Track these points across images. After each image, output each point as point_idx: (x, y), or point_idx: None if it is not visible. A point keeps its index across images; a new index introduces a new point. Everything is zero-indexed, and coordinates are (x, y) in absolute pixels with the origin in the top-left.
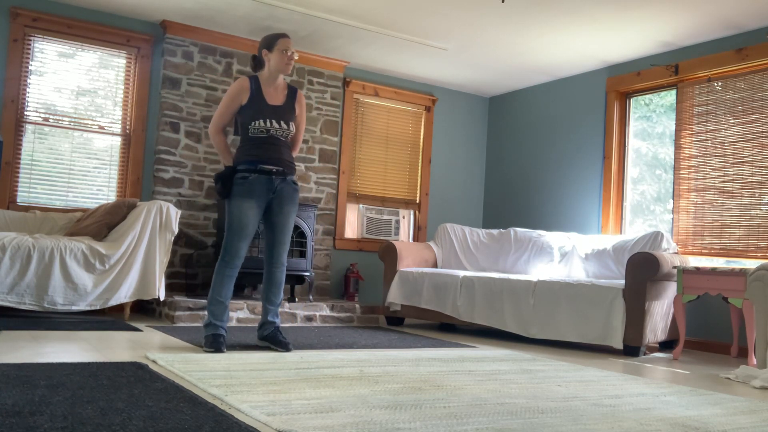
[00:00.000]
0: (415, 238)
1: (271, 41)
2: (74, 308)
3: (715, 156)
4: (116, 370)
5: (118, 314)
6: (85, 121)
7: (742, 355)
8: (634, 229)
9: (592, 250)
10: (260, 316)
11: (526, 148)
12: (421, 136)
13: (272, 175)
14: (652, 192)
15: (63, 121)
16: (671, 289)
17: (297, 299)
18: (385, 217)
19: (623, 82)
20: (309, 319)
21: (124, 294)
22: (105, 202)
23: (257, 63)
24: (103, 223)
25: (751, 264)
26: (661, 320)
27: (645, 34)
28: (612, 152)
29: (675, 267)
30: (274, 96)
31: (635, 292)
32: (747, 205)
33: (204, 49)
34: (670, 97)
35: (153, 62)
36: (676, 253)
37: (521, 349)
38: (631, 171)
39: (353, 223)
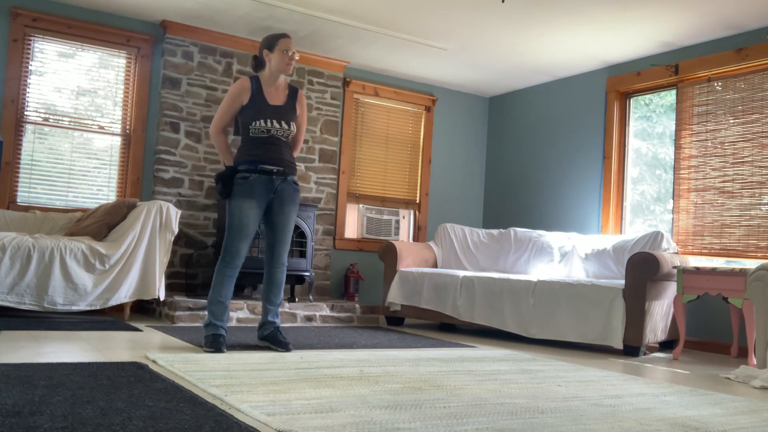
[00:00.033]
0: (415, 238)
1: (271, 41)
2: (74, 308)
3: (715, 156)
4: (116, 370)
5: (118, 314)
6: (85, 121)
7: (742, 355)
8: (634, 229)
9: (592, 250)
10: (260, 316)
11: (526, 148)
12: (421, 136)
13: (273, 175)
14: (652, 192)
15: (63, 121)
16: (671, 289)
17: (297, 299)
18: (385, 217)
19: (623, 82)
20: (309, 319)
21: (124, 294)
22: (105, 202)
23: (258, 63)
24: (103, 223)
25: (751, 264)
26: (661, 320)
27: (645, 34)
28: (612, 152)
29: (675, 267)
30: (275, 96)
31: (635, 292)
32: (747, 205)
33: (204, 49)
34: (670, 97)
35: (153, 62)
36: (676, 253)
37: (521, 349)
38: (631, 171)
39: (353, 223)
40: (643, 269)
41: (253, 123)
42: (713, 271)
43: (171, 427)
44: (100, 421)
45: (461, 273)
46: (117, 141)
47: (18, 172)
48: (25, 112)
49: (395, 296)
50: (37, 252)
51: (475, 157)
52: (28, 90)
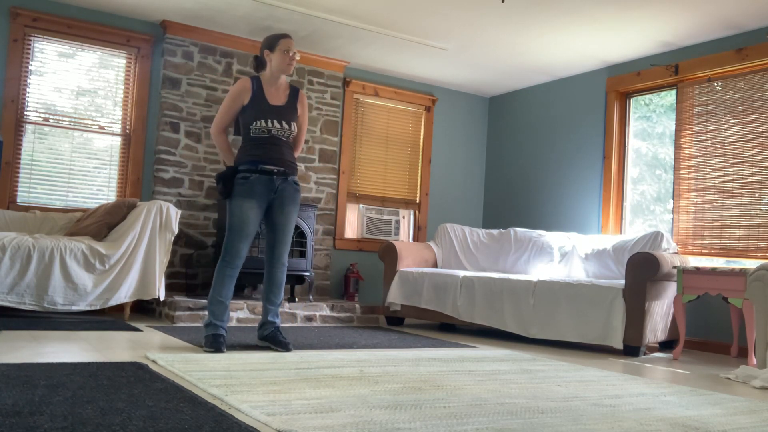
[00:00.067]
0: (415, 238)
1: (272, 41)
2: (74, 308)
3: (715, 156)
4: (116, 370)
5: (118, 314)
6: (85, 121)
7: (742, 355)
8: (634, 229)
9: (592, 250)
10: (260, 316)
11: (526, 148)
12: (421, 136)
13: (273, 176)
14: (652, 192)
15: (63, 121)
16: (671, 289)
17: (297, 299)
18: (385, 217)
19: (623, 82)
20: (309, 319)
21: (124, 294)
22: (105, 202)
23: (259, 63)
24: (103, 223)
25: (751, 264)
26: (661, 320)
27: (645, 34)
28: (612, 152)
29: (675, 267)
30: (276, 96)
31: (635, 292)
32: (747, 205)
33: (204, 49)
34: (670, 97)
35: (153, 62)
36: (676, 253)
37: (521, 349)
38: (631, 171)
39: (353, 223)
40: (643, 269)
41: (254, 123)
42: (713, 271)
43: (171, 427)
44: (100, 421)
45: (461, 273)
46: (117, 141)
47: (18, 172)
48: (25, 112)
49: (395, 296)
50: (37, 252)
51: (475, 157)
52: (28, 90)
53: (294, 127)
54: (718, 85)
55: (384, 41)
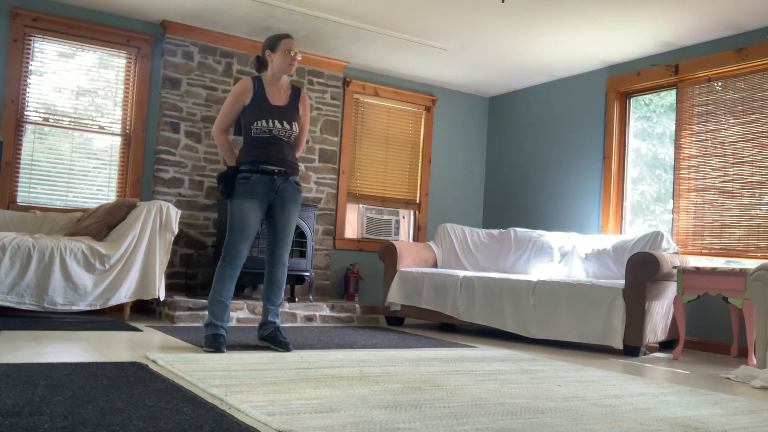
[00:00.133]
0: (415, 238)
1: (274, 42)
2: (74, 308)
3: (715, 156)
4: (116, 370)
5: (118, 314)
6: (85, 121)
7: (742, 355)
8: (634, 229)
9: (592, 250)
10: (260, 316)
11: (526, 148)
12: (421, 136)
13: (274, 176)
14: (652, 192)
15: (63, 121)
16: (671, 289)
17: (297, 299)
18: (385, 217)
19: (623, 82)
20: (309, 319)
21: (124, 294)
22: (105, 202)
23: (261, 64)
24: (103, 223)
25: (751, 264)
26: (661, 320)
27: (645, 34)
28: (612, 152)
29: (675, 267)
30: (277, 96)
31: (635, 292)
32: (747, 205)
33: (204, 49)
34: (670, 97)
35: (153, 62)
36: (676, 253)
37: (521, 349)
38: (631, 171)
39: (353, 223)
40: (643, 269)
41: (255, 123)
42: (713, 271)
43: (171, 427)
44: (100, 421)
45: (461, 273)
46: (117, 141)
47: (18, 172)
48: (25, 112)
49: (395, 296)
50: (37, 252)
51: (475, 157)
52: (28, 90)
53: (295, 127)
54: (718, 85)
55: (384, 41)
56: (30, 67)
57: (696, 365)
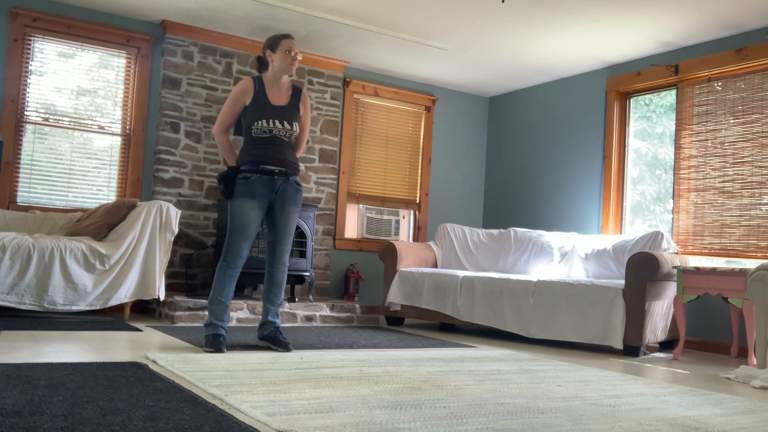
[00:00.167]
0: (415, 238)
1: (274, 42)
2: (74, 308)
3: (715, 156)
4: (116, 370)
5: (118, 314)
6: (85, 121)
7: (742, 355)
8: (634, 229)
9: (592, 250)
10: (260, 316)
11: (526, 148)
12: (421, 136)
13: (274, 176)
14: (652, 192)
15: (63, 121)
16: (671, 289)
17: (297, 299)
18: (385, 217)
19: (623, 82)
20: (309, 319)
21: (124, 294)
22: (105, 202)
23: (261, 64)
24: (103, 223)
25: (751, 264)
26: (661, 320)
27: (645, 34)
28: (612, 152)
29: (675, 267)
30: (278, 96)
31: (635, 292)
32: (747, 205)
33: (204, 49)
34: (670, 97)
35: (153, 62)
36: (676, 253)
37: (521, 349)
38: (631, 171)
39: (353, 223)
40: (643, 269)
41: (256, 123)
42: (713, 271)
43: (171, 427)
44: (100, 421)
45: (461, 273)
46: (117, 141)
47: (18, 172)
48: (25, 112)
49: (395, 296)
50: (37, 252)
51: (475, 157)
52: (28, 90)
53: (296, 127)
54: (718, 85)
55: (384, 41)
56: (30, 67)
57: (696, 365)
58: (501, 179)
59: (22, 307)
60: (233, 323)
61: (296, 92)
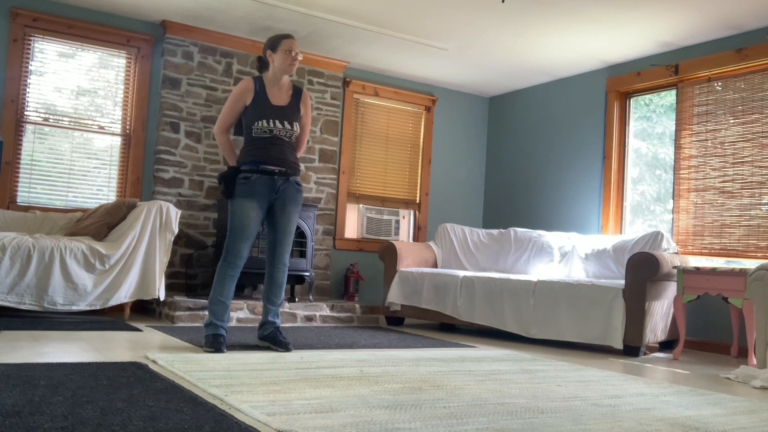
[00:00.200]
0: (415, 238)
1: (275, 42)
2: (74, 308)
3: (715, 156)
4: (116, 370)
5: (118, 314)
6: (85, 121)
7: (742, 355)
8: (634, 229)
9: (592, 250)
10: (260, 316)
11: (526, 148)
12: (421, 136)
13: (275, 176)
14: (652, 192)
15: (63, 121)
16: (671, 289)
17: (297, 299)
18: (385, 217)
19: (623, 82)
20: (309, 319)
21: (124, 294)
22: (105, 202)
23: (262, 64)
24: (103, 223)
25: (751, 264)
26: (661, 320)
27: (645, 34)
28: (612, 152)
29: (675, 267)
30: (279, 96)
31: (635, 292)
32: (747, 205)
33: (204, 49)
34: (670, 97)
35: (153, 62)
36: (676, 253)
37: (521, 349)
38: (631, 171)
39: (353, 223)
40: (643, 269)
41: (256, 123)
42: (713, 271)
43: (171, 427)
44: (100, 421)
45: (461, 273)
46: (117, 141)
47: (18, 172)
48: (25, 112)
49: (395, 296)
50: (37, 252)
51: (475, 157)
52: (28, 90)
53: (296, 127)
54: (718, 85)
55: (384, 41)
56: (30, 67)
57: (696, 365)
58: (501, 179)
59: (22, 307)
60: (233, 323)
61: (297, 92)
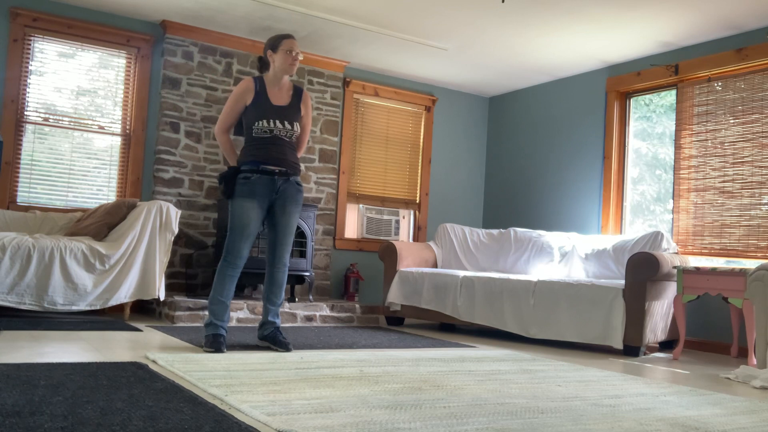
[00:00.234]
0: (415, 238)
1: (275, 42)
2: (74, 308)
3: (715, 156)
4: (116, 370)
5: (118, 314)
6: (85, 121)
7: (742, 355)
8: (634, 229)
9: (592, 250)
10: (260, 316)
11: (526, 148)
12: (421, 136)
13: (275, 176)
14: (652, 192)
15: (63, 121)
16: (671, 289)
17: (297, 299)
18: (385, 217)
19: (623, 82)
20: (309, 319)
21: (124, 294)
22: (105, 202)
23: (262, 64)
24: (103, 223)
25: (751, 264)
26: (661, 320)
27: (645, 34)
28: (612, 152)
29: (675, 267)
30: (279, 96)
31: (635, 292)
32: (747, 205)
33: (204, 49)
34: (670, 97)
35: (153, 62)
36: (676, 253)
37: (521, 349)
38: (631, 171)
39: (353, 223)
40: (643, 269)
41: (256, 123)
42: (713, 271)
43: (171, 427)
44: (100, 421)
45: (461, 273)
46: (117, 141)
47: (18, 172)
48: (25, 112)
49: (395, 296)
50: (37, 252)
51: (475, 157)
52: (28, 90)
53: (297, 127)
54: (718, 85)
55: (384, 41)
56: (30, 67)
57: (696, 365)
58: (501, 179)
59: (22, 307)
60: (233, 323)
61: (297, 92)
